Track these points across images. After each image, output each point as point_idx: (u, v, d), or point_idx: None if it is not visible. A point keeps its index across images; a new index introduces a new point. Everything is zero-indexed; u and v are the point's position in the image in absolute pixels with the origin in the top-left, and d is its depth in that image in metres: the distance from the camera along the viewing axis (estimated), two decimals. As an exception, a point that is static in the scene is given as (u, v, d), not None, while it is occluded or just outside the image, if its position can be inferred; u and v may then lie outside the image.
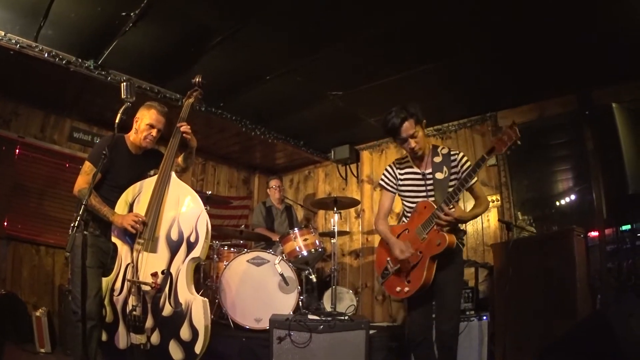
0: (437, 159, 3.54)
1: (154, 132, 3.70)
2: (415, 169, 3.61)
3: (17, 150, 5.62)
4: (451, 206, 3.23)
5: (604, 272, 4.89)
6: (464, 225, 4.52)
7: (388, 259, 3.57)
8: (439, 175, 3.48)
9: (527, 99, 5.87)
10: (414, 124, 3.38)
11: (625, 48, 4.46)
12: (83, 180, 3.48)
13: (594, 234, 4.91)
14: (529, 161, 6.09)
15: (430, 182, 3.50)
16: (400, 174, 3.66)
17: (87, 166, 3.54)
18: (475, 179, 3.39)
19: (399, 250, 3.40)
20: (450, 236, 3.25)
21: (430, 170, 3.53)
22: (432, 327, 3.56)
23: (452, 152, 3.56)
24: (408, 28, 4.34)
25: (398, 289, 3.45)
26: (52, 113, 6.03)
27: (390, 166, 3.73)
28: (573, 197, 6.07)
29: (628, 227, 5.28)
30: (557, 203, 6.18)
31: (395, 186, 3.67)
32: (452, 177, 3.46)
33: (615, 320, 2.91)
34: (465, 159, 3.52)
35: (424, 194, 3.54)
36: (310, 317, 4.54)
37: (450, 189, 3.34)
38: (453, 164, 3.49)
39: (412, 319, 3.60)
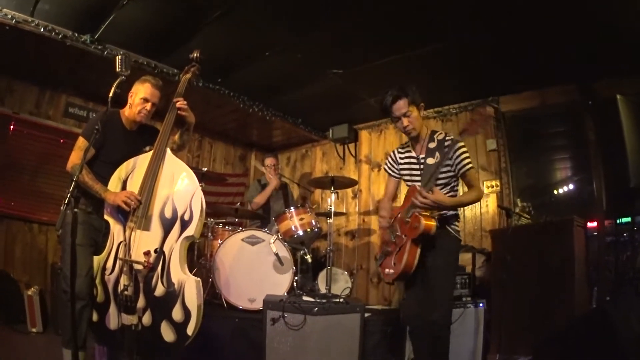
0: (432, 145, 3.50)
1: (148, 106, 3.60)
2: (413, 153, 3.60)
3: (12, 127, 5.51)
4: (427, 189, 3.21)
5: (601, 265, 4.87)
6: (461, 210, 4.48)
7: (383, 240, 3.67)
8: (429, 161, 3.45)
9: (529, 86, 5.82)
10: (407, 103, 3.39)
11: (629, 42, 4.42)
12: (76, 156, 3.38)
13: (592, 224, 4.89)
14: (529, 148, 6.08)
15: (425, 166, 3.49)
16: (400, 158, 3.69)
17: (80, 141, 3.43)
18: (470, 165, 3.40)
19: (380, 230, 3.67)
20: (427, 221, 3.20)
21: (424, 155, 3.52)
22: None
23: (447, 138, 3.48)
24: (411, 8, 4.27)
25: (387, 270, 3.50)
26: (47, 89, 5.91)
27: (393, 152, 3.76)
28: (571, 186, 6.05)
29: (627, 219, 5.26)
30: (555, 192, 6.15)
31: (397, 171, 3.72)
32: (445, 162, 3.36)
33: (616, 317, 2.86)
34: (459, 145, 3.40)
35: (418, 177, 3.51)
36: (305, 298, 4.49)
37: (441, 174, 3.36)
38: (446, 149, 3.38)
39: (407, 305, 3.59)
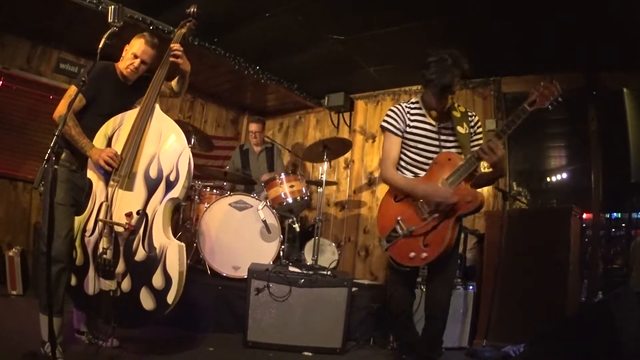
0: (456, 114, 3.14)
1: (136, 62, 3.35)
2: (429, 120, 3.17)
3: (1, 82, 5.31)
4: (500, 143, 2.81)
5: (593, 258, 4.84)
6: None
7: (399, 218, 3.05)
8: (460, 130, 3.09)
9: (533, 70, 5.66)
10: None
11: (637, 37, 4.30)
12: (65, 103, 3.11)
13: (587, 216, 4.86)
14: (527, 132, 5.97)
15: (445, 137, 3.14)
16: (410, 119, 3.18)
17: (72, 89, 3.18)
18: None
19: (442, 196, 2.87)
20: (482, 194, 2.92)
21: (447, 124, 3.15)
22: (414, 301, 3.41)
23: (469, 112, 3.23)
24: None
25: (412, 254, 2.95)
26: (39, 44, 5.69)
27: (398, 107, 3.22)
28: (566, 175, 5.99)
29: (617, 215, 5.22)
30: (550, 179, 6.10)
31: (402, 130, 3.17)
32: (473, 137, 3.14)
33: (618, 312, 2.78)
34: (480, 123, 3.21)
35: (436, 149, 3.13)
36: (291, 269, 4.38)
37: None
38: (471, 123, 3.17)
39: (396, 289, 3.30)
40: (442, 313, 3.15)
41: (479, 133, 3.20)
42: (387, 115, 3.22)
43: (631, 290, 3.10)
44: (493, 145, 2.78)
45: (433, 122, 3.17)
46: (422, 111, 3.20)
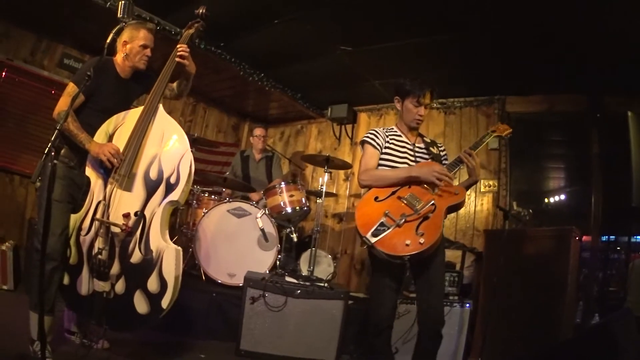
0: (427, 139, 3.56)
1: (148, 52, 3.35)
2: (405, 138, 3.44)
3: (4, 74, 5.27)
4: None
5: (591, 280, 4.82)
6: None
7: (387, 211, 3.04)
8: (434, 150, 3.46)
9: (538, 90, 5.73)
10: (432, 98, 3.40)
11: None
12: (64, 102, 3.08)
13: (586, 238, 4.85)
14: (529, 152, 5.98)
15: (420, 155, 3.41)
16: (387, 136, 3.42)
17: (70, 87, 3.15)
18: None
19: (437, 172, 3.07)
20: (463, 189, 3.19)
21: (421, 145, 3.47)
22: (395, 316, 3.34)
23: (437, 141, 3.63)
24: None
25: (408, 241, 2.91)
26: (44, 37, 5.66)
27: (376, 129, 3.47)
28: (565, 197, 5.99)
29: (612, 237, 5.20)
30: (550, 200, 6.09)
31: (381, 146, 3.37)
32: (442, 159, 3.45)
33: (619, 334, 2.74)
34: (446, 151, 3.61)
35: (412, 161, 3.36)
36: (288, 279, 4.32)
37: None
38: (440, 148, 3.55)
39: (381, 303, 3.24)
40: (439, 328, 3.10)
41: (446, 159, 3.51)
42: (368, 133, 3.44)
43: (632, 313, 3.06)
44: (472, 152, 3.20)
45: (408, 141, 3.44)
46: (399, 132, 3.47)
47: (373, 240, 2.97)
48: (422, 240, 2.90)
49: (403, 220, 2.98)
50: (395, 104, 3.50)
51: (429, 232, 2.93)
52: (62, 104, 3.07)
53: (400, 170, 3.23)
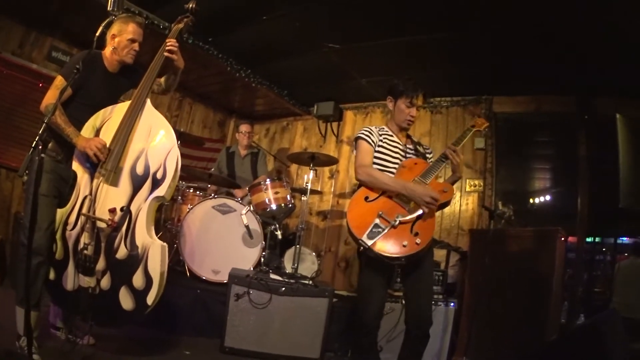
0: (414, 139, 3.67)
1: (136, 46, 3.31)
2: (396, 139, 3.50)
3: (-9, 66, 5.19)
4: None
5: (576, 280, 4.86)
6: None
7: (380, 212, 3.04)
8: (420, 149, 3.59)
9: (526, 91, 5.78)
10: (424, 100, 3.49)
11: (635, 62, 4.34)
12: (51, 95, 3.04)
13: (572, 239, 4.89)
14: (515, 152, 6.00)
15: (411, 154, 3.49)
16: (380, 135, 3.46)
17: (58, 80, 3.10)
18: None
19: (428, 201, 3.00)
20: (451, 186, 3.25)
21: (411, 147, 3.54)
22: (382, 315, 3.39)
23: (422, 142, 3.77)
24: None
25: (405, 242, 2.93)
26: (33, 29, 5.56)
27: (368, 127, 3.50)
28: (551, 198, 6.03)
29: (598, 239, 5.25)
30: (535, 200, 6.13)
31: (375, 143, 3.41)
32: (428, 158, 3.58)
33: (607, 333, 2.78)
34: (431, 151, 3.70)
35: (397, 162, 3.41)
36: (272, 276, 4.30)
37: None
38: (427, 149, 3.66)
39: (371, 302, 3.22)
40: (428, 330, 3.15)
41: (432, 157, 3.62)
42: (362, 130, 3.47)
43: (618, 314, 3.10)
44: (456, 148, 3.25)
45: (399, 141, 3.50)
46: (390, 132, 3.52)
47: (369, 242, 2.96)
48: (418, 240, 2.93)
49: (398, 221, 2.98)
50: (387, 104, 3.53)
51: (423, 232, 2.97)
52: (50, 96, 3.03)
53: (397, 181, 3.18)
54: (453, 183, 3.35)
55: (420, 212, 3.02)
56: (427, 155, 3.56)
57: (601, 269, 5.53)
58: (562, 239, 4.31)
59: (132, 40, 3.27)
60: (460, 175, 3.40)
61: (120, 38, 3.25)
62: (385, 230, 2.97)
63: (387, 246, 2.95)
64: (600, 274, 5.47)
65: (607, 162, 4.38)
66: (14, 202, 5.41)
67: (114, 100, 3.33)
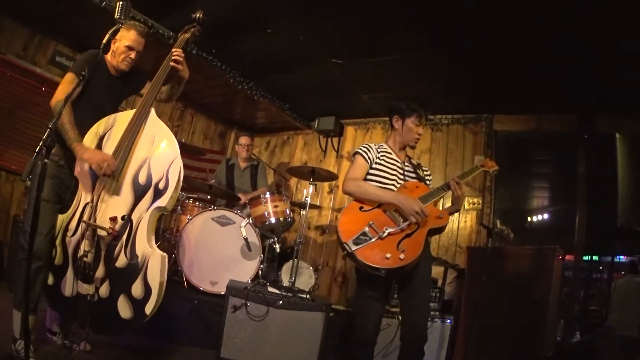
0: (413, 161, 3.67)
1: (132, 54, 3.31)
2: (395, 156, 3.53)
3: (-4, 67, 5.22)
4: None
5: (573, 299, 4.86)
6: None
7: (371, 222, 3.10)
8: (420, 172, 3.58)
9: (526, 109, 5.81)
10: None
11: (635, 82, 4.36)
12: (62, 89, 3.02)
13: (569, 257, 4.90)
14: (515, 171, 6.02)
15: (410, 174, 3.53)
16: (379, 152, 3.49)
17: (69, 76, 3.10)
18: None
19: (417, 213, 3.05)
20: (447, 214, 3.28)
21: (409, 168, 3.56)
22: (379, 331, 3.35)
23: (422, 164, 3.77)
24: (421, 10, 4.21)
25: (389, 255, 2.96)
26: (38, 33, 5.60)
27: (368, 143, 3.53)
28: (549, 216, 6.04)
29: (595, 257, 5.27)
30: (533, 218, 6.13)
31: (372, 160, 3.43)
32: (427, 181, 3.59)
33: (604, 350, 2.79)
34: (430, 173, 3.74)
35: (401, 180, 3.46)
36: (270, 289, 4.30)
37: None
38: (426, 171, 3.69)
39: (367, 317, 3.23)
40: (422, 345, 3.13)
41: (430, 181, 3.64)
42: (361, 146, 3.52)
43: (615, 331, 3.11)
44: (460, 181, 3.31)
45: (398, 159, 3.53)
46: (389, 150, 3.56)
47: (354, 248, 3.01)
48: (402, 256, 2.97)
49: (386, 233, 3.04)
50: (393, 123, 3.55)
51: (409, 249, 3.00)
52: (60, 92, 3.01)
53: (386, 192, 3.26)
54: (451, 213, 3.38)
55: (409, 231, 3.07)
56: (427, 180, 3.58)
57: (597, 287, 5.54)
58: (560, 257, 4.32)
59: (130, 48, 3.27)
60: (458, 208, 3.44)
61: (119, 43, 3.26)
62: (372, 240, 3.03)
63: (370, 255, 3.00)
64: (597, 292, 5.48)
65: (606, 180, 4.41)
66: (14, 204, 5.42)
67: (117, 104, 3.38)
